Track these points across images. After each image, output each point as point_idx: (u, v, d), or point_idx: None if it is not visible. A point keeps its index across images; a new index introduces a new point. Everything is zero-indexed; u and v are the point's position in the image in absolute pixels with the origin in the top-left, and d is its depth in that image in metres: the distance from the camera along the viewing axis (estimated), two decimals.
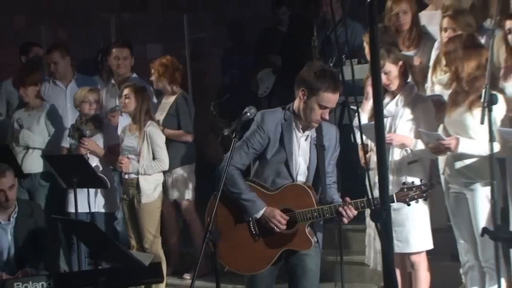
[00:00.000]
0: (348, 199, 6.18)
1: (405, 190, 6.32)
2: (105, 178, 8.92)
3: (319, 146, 6.28)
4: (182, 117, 9.47)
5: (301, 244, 6.26)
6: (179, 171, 9.41)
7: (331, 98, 6.08)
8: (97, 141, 9.33)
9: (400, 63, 7.37)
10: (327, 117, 6.14)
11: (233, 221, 6.28)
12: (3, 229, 8.00)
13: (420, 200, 7.15)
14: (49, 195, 9.62)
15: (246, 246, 6.26)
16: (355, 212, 6.16)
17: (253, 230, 6.26)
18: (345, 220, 6.18)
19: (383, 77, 7.20)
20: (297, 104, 6.23)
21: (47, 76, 10.51)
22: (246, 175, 6.39)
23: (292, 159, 6.23)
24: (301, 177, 6.29)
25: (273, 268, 6.39)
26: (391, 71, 7.31)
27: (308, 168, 6.29)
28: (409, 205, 6.42)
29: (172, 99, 9.48)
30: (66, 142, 9.42)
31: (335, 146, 6.39)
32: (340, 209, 6.13)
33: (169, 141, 9.23)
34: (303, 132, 6.27)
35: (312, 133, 6.28)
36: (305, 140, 6.28)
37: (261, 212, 6.18)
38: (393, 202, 6.21)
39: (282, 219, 6.16)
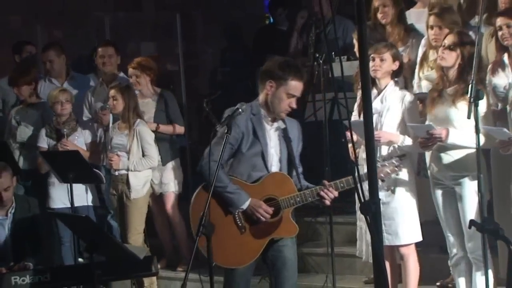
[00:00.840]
0: (326, 181, 6.31)
1: (380, 166, 6.51)
2: (100, 173, 8.92)
3: (286, 138, 6.38)
4: (172, 112, 9.53)
5: (287, 231, 6.37)
6: (169, 165, 9.44)
7: (298, 86, 6.26)
8: (76, 140, 9.33)
9: (397, 62, 7.40)
10: (294, 105, 6.30)
11: (218, 216, 6.24)
12: (0, 224, 7.98)
13: (408, 191, 7.22)
14: (31, 191, 9.58)
15: (233, 239, 6.27)
16: (336, 193, 6.31)
17: (239, 222, 6.30)
18: (327, 202, 6.32)
19: (377, 62, 7.24)
20: (263, 97, 6.35)
21: (43, 74, 10.51)
22: None
23: (267, 151, 6.31)
24: (274, 168, 6.39)
25: (252, 262, 6.42)
26: (386, 60, 7.33)
27: (280, 159, 6.38)
28: (383, 181, 6.64)
29: (149, 99, 9.49)
30: (44, 142, 9.35)
31: (299, 139, 6.52)
32: (322, 192, 6.26)
33: (158, 137, 9.27)
34: (272, 124, 6.37)
35: (280, 124, 6.39)
36: (275, 131, 6.38)
37: (247, 203, 6.24)
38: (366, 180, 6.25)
39: (268, 209, 6.24)
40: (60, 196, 9.03)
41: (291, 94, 6.23)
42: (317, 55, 8.63)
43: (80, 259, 8.78)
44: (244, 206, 6.24)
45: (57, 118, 9.27)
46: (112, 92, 8.97)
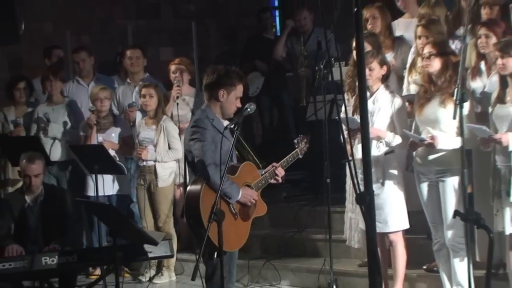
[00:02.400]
0: (275, 163, 6.72)
1: (298, 146, 6.95)
2: (123, 165, 8.96)
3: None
4: None
5: (262, 210, 6.66)
6: None
7: (242, 88, 6.52)
8: (112, 134, 9.36)
9: (385, 67, 7.42)
10: (239, 105, 6.52)
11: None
12: (30, 210, 7.98)
13: (396, 184, 7.23)
14: (70, 180, 9.61)
15: (231, 226, 6.31)
16: (283, 172, 6.69)
17: (233, 210, 6.41)
18: (279, 179, 6.70)
19: (367, 72, 7.26)
20: (215, 106, 6.48)
21: (71, 75, 10.54)
22: None
23: (227, 146, 6.33)
24: (235, 160, 6.60)
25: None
26: (375, 69, 7.36)
27: (231, 149, 6.38)
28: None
29: (188, 97, 9.53)
30: (86, 131, 9.42)
31: None
32: (276, 171, 6.66)
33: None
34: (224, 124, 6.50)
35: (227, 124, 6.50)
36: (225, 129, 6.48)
37: (240, 193, 6.37)
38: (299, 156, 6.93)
39: (254, 194, 6.50)
40: (95, 185, 8.99)
41: (238, 96, 6.49)
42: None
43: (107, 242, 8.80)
44: (239, 196, 6.37)
45: (97, 112, 9.28)
46: (146, 90, 9.01)
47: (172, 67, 9.47)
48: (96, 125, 9.24)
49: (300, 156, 6.98)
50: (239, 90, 6.47)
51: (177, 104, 9.26)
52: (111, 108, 9.49)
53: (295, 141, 7.03)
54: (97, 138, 9.22)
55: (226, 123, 6.42)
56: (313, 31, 10.96)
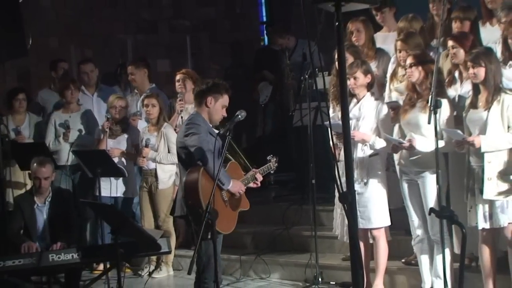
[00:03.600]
0: (255, 169, 6.98)
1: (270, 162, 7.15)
2: (123, 169, 8.93)
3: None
4: None
5: (246, 204, 6.84)
6: None
7: (228, 99, 6.68)
8: (123, 141, 9.34)
9: (369, 75, 7.44)
10: (225, 114, 6.68)
11: (213, 195, 6.24)
12: (40, 210, 8.01)
13: (379, 183, 7.24)
14: (80, 182, 9.58)
15: (222, 211, 6.39)
16: (261, 177, 6.96)
17: (224, 197, 6.56)
18: (258, 183, 6.92)
19: (352, 81, 7.31)
20: (204, 111, 6.64)
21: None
22: None
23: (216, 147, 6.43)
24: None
25: None
26: (359, 78, 7.39)
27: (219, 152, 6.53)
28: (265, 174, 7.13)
29: (191, 105, 9.42)
30: (100, 136, 9.38)
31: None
32: (257, 175, 6.88)
33: None
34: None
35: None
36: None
37: (231, 183, 6.55)
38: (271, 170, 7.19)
39: (242, 186, 6.67)
40: (104, 186, 9.01)
41: (224, 105, 6.65)
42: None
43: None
44: (230, 185, 6.54)
45: (112, 119, 9.25)
46: (148, 100, 9.00)
47: (177, 76, 9.35)
48: (108, 130, 9.21)
49: (272, 172, 7.25)
50: (225, 99, 6.64)
51: (181, 117, 9.17)
52: (125, 116, 9.45)
53: (268, 158, 7.20)
54: (107, 143, 9.18)
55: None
56: (297, 44, 10.98)
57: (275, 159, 7.21)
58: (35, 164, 8.00)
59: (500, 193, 6.68)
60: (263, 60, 12.06)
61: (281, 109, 11.56)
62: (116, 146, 9.25)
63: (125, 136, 9.36)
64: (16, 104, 9.86)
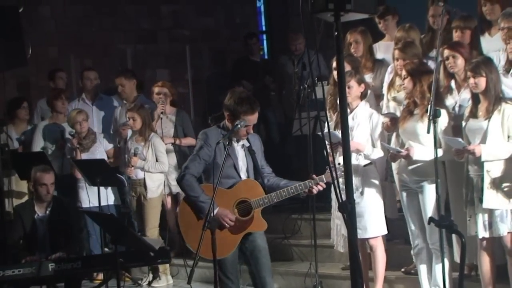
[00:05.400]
0: (314, 175, 6.49)
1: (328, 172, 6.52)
2: (123, 178, 8.93)
3: (251, 151, 6.47)
4: (186, 127, 9.69)
5: (259, 226, 6.45)
6: None
7: (251, 119, 6.33)
8: (97, 150, 9.40)
9: (363, 85, 7.46)
10: (251, 131, 6.41)
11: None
12: (40, 220, 7.99)
13: (375, 193, 7.24)
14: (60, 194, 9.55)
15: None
16: (324, 186, 6.47)
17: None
18: (315, 191, 6.50)
19: (346, 89, 7.28)
20: (227, 123, 6.43)
21: (76, 95, 10.54)
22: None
23: (237, 163, 6.39)
24: (243, 176, 6.46)
25: (236, 249, 6.45)
26: (353, 87, 7.41)
27: (247, 169, 6.47)
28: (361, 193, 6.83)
29: (170, 115, 9.60)
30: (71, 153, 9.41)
31: (261, 148, 6.64)
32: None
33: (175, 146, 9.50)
34: (238, 143, 6.45)
35: (245, 143, 6.49)
36: (241, 148, 6.48)
37: (215, 211, 6.16)
38: (323, 181, 6.46)
39: (232, 217, 6.31)
40: (88, 197, 9.07)
41: (247, 125, 6.32)
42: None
43: (106, 249, 8.76)
44: (213, 214, 6.11)
45: (78, 134, 9.28)
46: (130, 113, 9.03)
47: (156, 89, 9.56)
48: (79, 146, 9.23)
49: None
50: (245, 119, 6.28)
51: (161, 119, 9.32)
52: (90, 128, 9.50)
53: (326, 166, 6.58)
54: (81, 158, 9.21)
55: (237, 144, 6.42)
56: (305, 53, 10.99)
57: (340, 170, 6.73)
58: (39, 172, 7.98)
59: (499, 202, 6.70)
60: (241, 70, 12.09)
61: (285, 118, 11.59)
62: (91, 157, 9.26)
63: (98, 146, 9.44)
64: (22, 113, 9.90)
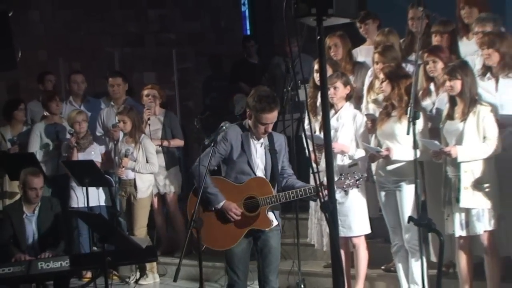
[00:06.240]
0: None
1: (342, 179, 6.48)
2: (111, 178, 8.94)
3: (272, 150, 6.40)
4: (174, 128, 9.67)
5: (263, 224, 6.35)
6: (172, 171, 9.58)
7: (269, 117, 6.22)
8: (92, 152, 9.36)
9: (348, 87, 7.49)
10: (269, 130, 6.32)
11: (211, 209, 6.34)
12: (28, 220, 7.95)
13: (359, 193, 7.26)
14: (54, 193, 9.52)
15: (219, 228, 6.32)
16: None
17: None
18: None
19: (332, 91, 7.33)
20: (248, 121, 6.35)
21: (64, 97, 10.51)
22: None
23: (252, 160, 6.34)
24: (259, 173, 6.39)
25: (247, 246, 6.42)
26: (339, 88, 7.43)
27: (265, 168, 6.39)
28: (346, 192, 6.64)
29: (158, 117, 9.59)
30: (69, 152, 9.37)
31: (285, 149, 6.53)
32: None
33: (163, 147, 9.48)
34: (258, 140, 6.38)
35: (265, 141, 6.41)
36: (260, 146, 6.40)
37: (221, 204, 6.26)
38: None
39: (237, 211, 6.28)
40: (79, 197, 9.06)
41: (264, 123, 6.23)
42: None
43: (94, 248, 8.75)
44: (219, 206, 6.27)
45: (77, 134, 9.26)
46: (120, 116, 9.03)
47: (145, 92, 9.57)
48: (76, 145, 9.22)
49: (345, 192, 6.68)
50: (264, 118, 6.20)
51: (149, 124, 9.34)
52: (88, 129, 9.47)
53: (341, 174, 6.68)
54: (77, 157, 9.20)
55: (256, 141, 6.36)
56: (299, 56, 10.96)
57: (356, 178, 6.57)
58: (29, 175, 7.91)
59: (476, 202, 6.74)
60: (240, 72, 12.13)
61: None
62: (86, 157, 9.22)
63: (93, 147, 9.41)
64: (19, 115, 9.88)
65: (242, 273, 6.42)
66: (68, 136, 9.37)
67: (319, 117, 7.55)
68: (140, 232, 8.99)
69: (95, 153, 9.35)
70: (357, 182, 6.52)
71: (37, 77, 10.74)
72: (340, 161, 7.33)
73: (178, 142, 9.61)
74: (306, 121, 7.76)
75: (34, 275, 7.22)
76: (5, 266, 7.21)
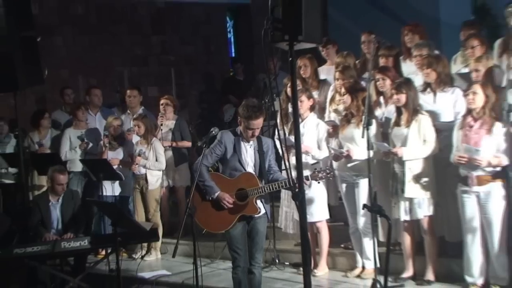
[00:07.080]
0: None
1: (316, 172, 6.49)
2: (121, 174, 8.91)
3: (260, 151, 6.36)
4: (183, 131, 9.61)
5: (251, 210, 6.33)
6: (181, 167, 9.60)
7: (255, 123, 6.19)
8: (120, 152, 9.29)
9: (311, 100, 7.50)
10: (256, 133, 6.29)
11: (209, 199, 6.34)
12: (54, 207, 7.95)
13: (320, 186, 7.27)
14: (88, 184, 9.47)
15: (215, 214, 6.31)
16: (307, 183, 6.54)
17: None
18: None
19: (298, 103, 7.29)
20: (240, 127, 6.34)
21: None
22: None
23: (242, 159, 6.32)
24: (249, 170, 6.37)
25: (242, 228, 6.39)
26: (304, 101, 7.44)
27: (254, 165, 6.37)
28: (318, 182, 6.74)
29: (171, 121, 9.53)
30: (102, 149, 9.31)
31: (271, 150, 6.48)
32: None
33: (174, 148, 9.47)
34: (248, 143, 6.36)
35: (254, 143, 6.38)
36: (250, 148, 6.37)
37: (216, 194, 6.26)
38: (308, 180, 6.45)
39: (229, 200, 6.27)
40: (108, 187, 9.05)
41: (251, 128, 6.20)
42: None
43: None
44: (214, 196, 6.27)
45: (111, 136, 9.22)
46: (136, 122, 9.03)
47: (162, 101, 9.56)
48: (108, 145, 9.17)
49: (318, 182, 6.78)
50: (251, 124, 6.17)
51: (161, 129, 9.31)
52: (121, 133, 9.41)
53: (315, 168, 6.67)
54: (107, 155, 9.14)
55: (246, 144, 6.32)
56: (278, 75, 10.97)
57: (328, 172, 6.54)
58: (56, 173, 7.93)
59: (417, 192, 6.77)
60: (229, 87, 12.32)
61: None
62: (115, 157, 9.20)
63: (122, 148, 9.32)
64: (45, 122, 9.84)
65: (241, 250, 6.38)
66: (102, 137, 9.32)
67: (289, 124, 7.58)
68: (156, 216, 9.01)
69: (122, 154, 9.29)
70: (328, 175, 6.53)
71: (60, 91, 10.70)
72: (305, 159, 7.33)
73: (186, 144, 9.59)
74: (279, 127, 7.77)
75: (58, 253, 7.20)
76: (34, 245, 7.21)
